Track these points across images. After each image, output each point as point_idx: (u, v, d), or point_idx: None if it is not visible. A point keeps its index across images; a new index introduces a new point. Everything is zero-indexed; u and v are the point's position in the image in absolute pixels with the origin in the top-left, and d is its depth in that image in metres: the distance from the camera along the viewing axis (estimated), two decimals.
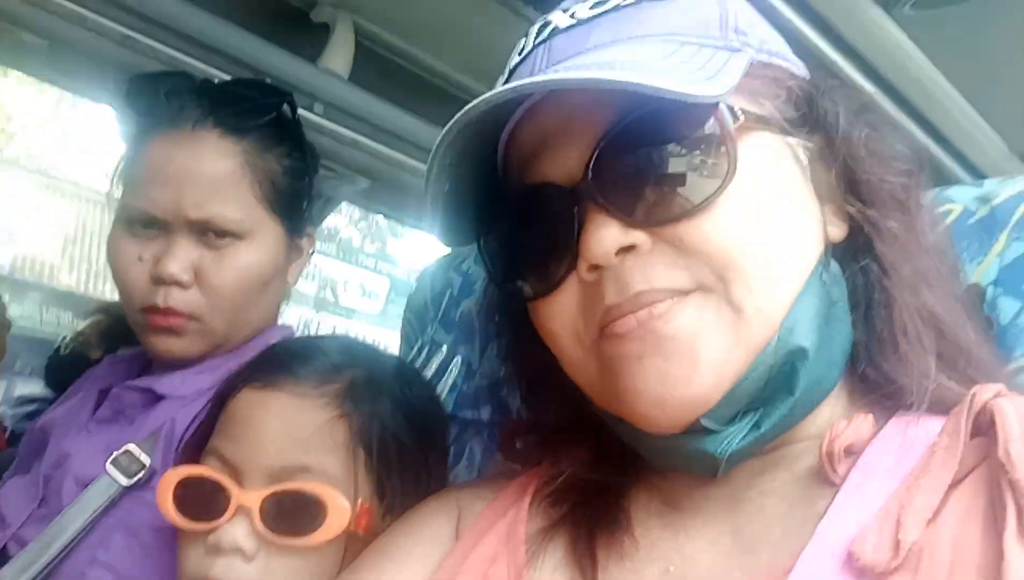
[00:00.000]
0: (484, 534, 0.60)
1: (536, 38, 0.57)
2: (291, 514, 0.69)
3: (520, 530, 0.58)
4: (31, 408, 2.62)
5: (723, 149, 0.49)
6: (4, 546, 0.91)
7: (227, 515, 0.70)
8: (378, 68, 1.81)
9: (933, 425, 0.49)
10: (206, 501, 0.71)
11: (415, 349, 1.22)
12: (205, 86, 1.02)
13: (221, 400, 0.79)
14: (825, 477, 0.49)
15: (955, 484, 0.44)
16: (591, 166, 0.50)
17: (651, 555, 0.53)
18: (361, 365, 0.79)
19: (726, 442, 0.50)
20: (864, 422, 0.50)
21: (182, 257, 0.95)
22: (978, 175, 1.39)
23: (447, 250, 1.23)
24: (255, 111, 1.01)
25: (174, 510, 0.72)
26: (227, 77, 1.54)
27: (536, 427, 0.67)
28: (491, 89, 0.50)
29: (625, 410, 0.51)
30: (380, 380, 0.79)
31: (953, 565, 0.41)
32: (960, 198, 0.71)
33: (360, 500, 0.72)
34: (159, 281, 0.95)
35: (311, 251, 1.13)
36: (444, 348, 1.16)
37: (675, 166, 0.50)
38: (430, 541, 0.62)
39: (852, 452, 0.49)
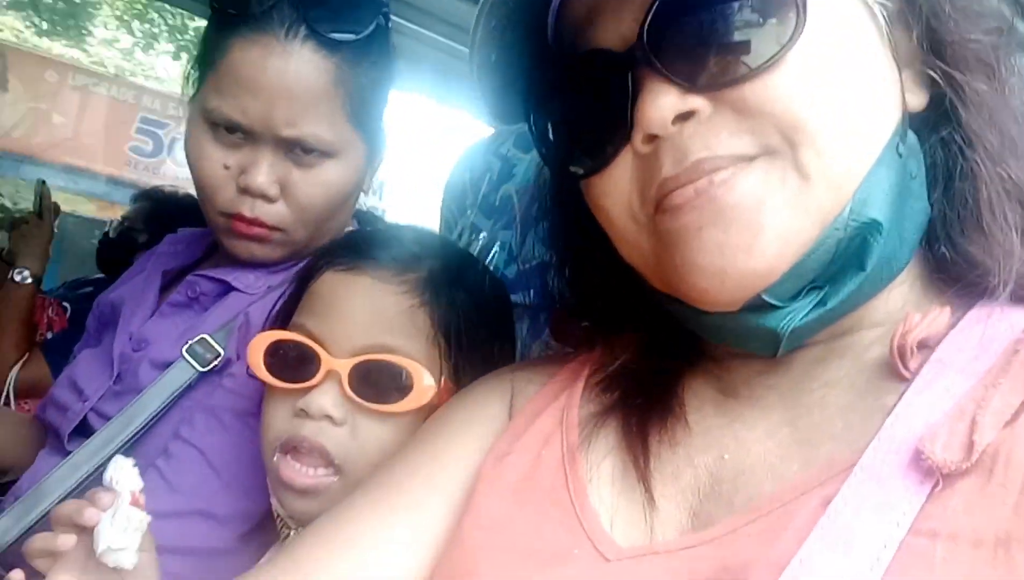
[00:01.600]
0: (537, 415, 0.60)
1: None
2: (378, 382, 0.72)
3: (573, 413, 0.59)
4: (88, 290, 2.74)
5: (791, 2, 0.45)
6: (85, 417, 0.97)
7: (318, 377, 0.72)
8: None
9: (1017, 318, 0.47)
10: (297, 363, 0.75)
11: (455, 234, 1.22)
12: None
13: (304, 280, 0.81)
14: (895, 370, 0.47)
15: None
16: (646, 28, 0.47)
17: (705, 442, 0.52)
18: (438, 257, 0.80)
19: (789, 317, 0.48)
20: (940, 315, 0.48)
21: (270, 171, 0.93)
22: None
23: None
24: (351, 23, 0.95)
25: (265, 370, 0.76)
26: None
27: (588, 311, 0.67)
28: None
29: (683, 287, 0.49)
30: (456, 272, 0.80)
31: None
32: None
33: (444, 378, 0.74)
34: (246, 192, 0.94)
35: (382, 160, 1.11)
36: (484, 233, 1.15)
37: (737, 24, 0.46)
38: (483, 420, 0.63)
39: (926, 346, 0.47)
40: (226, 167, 0.95)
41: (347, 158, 0.98)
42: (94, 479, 0.90)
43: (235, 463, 0.87)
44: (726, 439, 0.52)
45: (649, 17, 0.47)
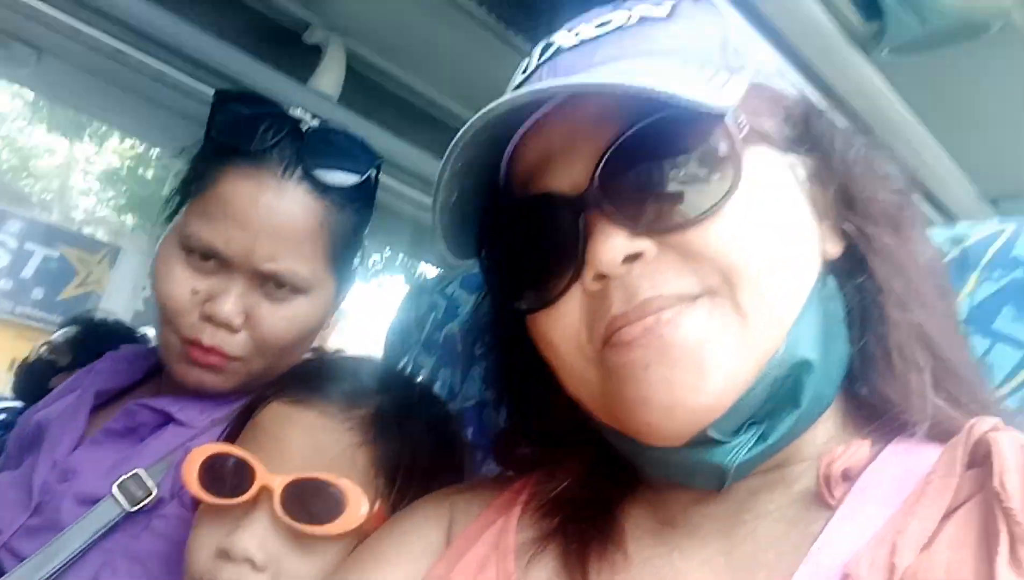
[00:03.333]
0: (474, 541, 0.59)
1: (540, 58, 0.58)
2: (311, 502, 0.70)
3: (509, 538, 0.58)
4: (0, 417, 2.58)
5: (729, 158, 0.50)
6: None
7: (251, 492, 0.71)
8: (368, 92, 1.82)
9: (929, 453, 0.50)
10: (231, 478, 0.72)
11: (398, 369, 1.22)
12: (298, 128, 0.96)
13: (249, 410, 0.80)
14: (821, 500, 0.50)
15: (950, 513, 0.45)
16: (597, 174, 0.51)
17: (644, 571, 0.53)
18: (390, 392, 0.80)
19: (734, 452, 0.50)
20: (861, 447, 0.51)
21: (238, 301, 0.92)
22: (949, 217, 1.43)
23: None
24: (347, 171, 0.96)
25: (198, 484, 0.73)
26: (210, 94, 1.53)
27: (532, 436, 0.67)
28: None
29: (631, 421, 0.51)
30: (407, 409, 0.80)
31: None
32: (934, 239, 0.74)
33: (379, 504, 0.73)
34: (209, 319, 0.92)
35: (345, 296, 1.10)
36: (426, 370, 1.16)
37: (682, 175, 0.50)
38: (420, 545, 0.62)
39: (849, 477, 0.50)
40: (194, 292, 0.92)
41: (317, 295, 0.97)
42: None
43: None
44: (664, 570, 0.52)
45: (601, 165, 0.51)
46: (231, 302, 0.91)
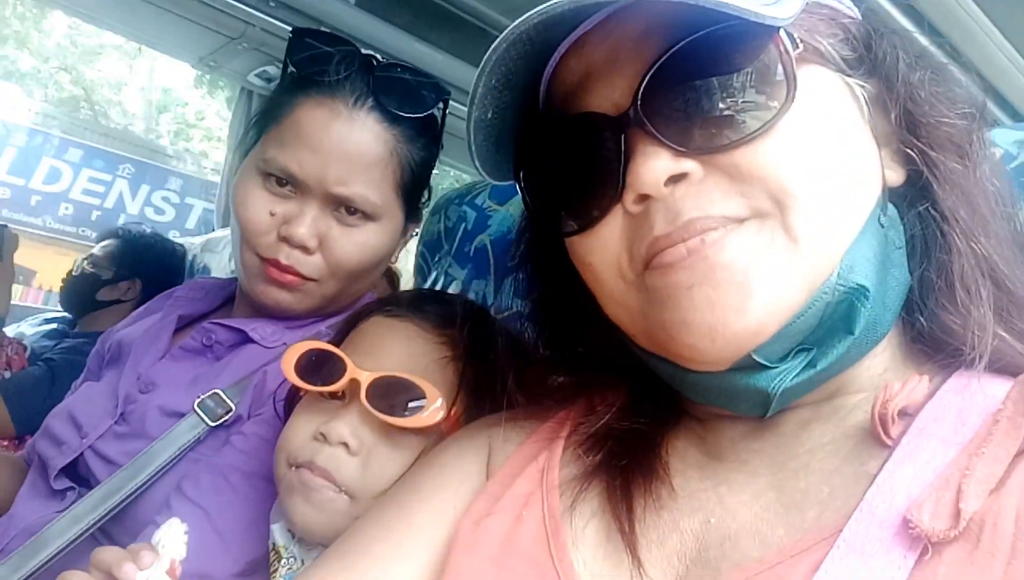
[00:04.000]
0: (516, 476, 0.59)
1: None
2: (395, 397, 0.75)
3: (554, 474, 0.58)
4: (51, 327, 2.68)
5: (782, 75, 0.47)
6: (81, 454, 0.95)
7: (341, 382, 0.76)
8: None
9: (992, 388, 0.48)
10: (324, 369, 0.78)
11: (428, 282, 1.22)
12: (371, 63, 1.01)
13: (354, 320, 0.87)
14: (877, 437, 0.48)
15: (1020, 454, 0.43)
16: (640, 93, 0.48)
17: (691, 505, 0.52)
18: (476, 321, 0.85)
19: (779, 378, 0.48)
20: (919, 384, 0.49)
21: (312, 224, 0.96)
22: (1016, 114, 1.35)
23: None
24: (416, 103, 1.01)
25: (295, 374, 0.79)
26: (235, 5, 1.49)
27: (566, 365, 0.66)
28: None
29: (672, 345, 0.49)
30: (490, 335, 0.83)
31: (1016, 539, 0.40)
32: (1001, 141, 0.69)
33: (455, 408, 0.77)
34: (285, 241, 0.96)
35: (415, 233, 1.14)
36: (458, 282, 1.15)
37: (730, 92, 0.47)
38: (458, 479, 0.62)
39: (907, 414, 0.48)
40: (272, 214, 0.97)
41: (386, 224, 1.01)
42: (95, 531, 0.88)
43: (238, 526, 0.86)
44: (712, 503, 0.51)
45: (643, 84, 0.48)
46: (306, 225, 0.95)
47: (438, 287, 1.17)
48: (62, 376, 1.95)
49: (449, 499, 0.61)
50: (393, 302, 0.87)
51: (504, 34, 0.48)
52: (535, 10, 0.46)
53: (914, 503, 0.42)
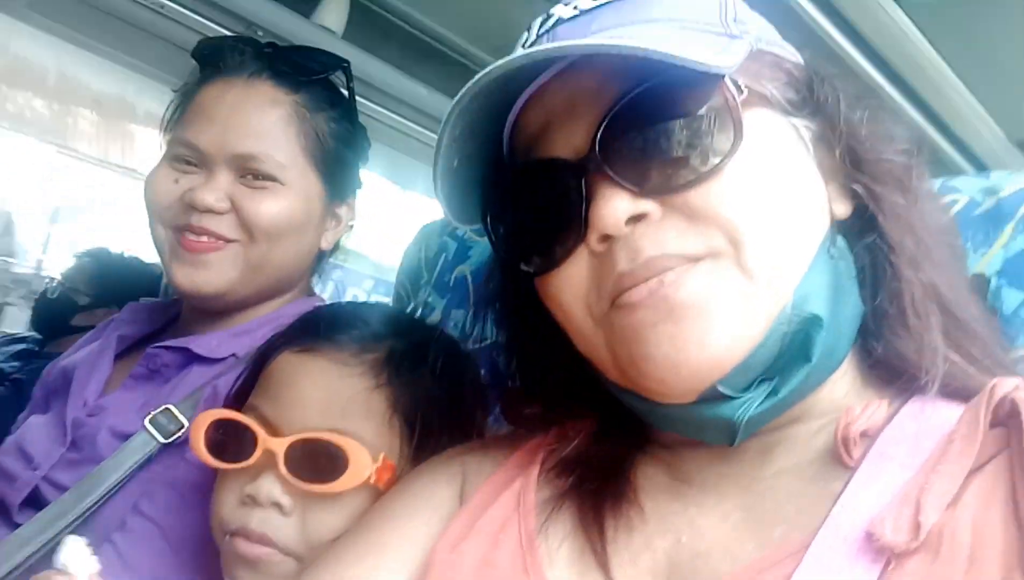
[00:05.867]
0: (493, 501, 0.60)
1: (540, 29, 0.57)
2: (313, 461, 0.71)
3: (530, 498, 0.59)
4: (19, 347, 2.61)
5: (729, 119, 0.50)
6: (36, 487, 0.93)
7: (254, 457, 0.71)
8: (372, 27, 1.77)
9: (947, 412, 0.50)
10: (236, 444, 0.73)
11: (408, 310, 1.22)
12: (267, 46, 1.05)
13: (261, 360, 0.80)
14: (839, 459, 0.50)
15: (974, 472, 0.45)
16: (598, 138, 0.51)
17: (662, 527, 0.53)
18: (402, 335, 0.80)
19: (744, 407, 0.50)
20: (879, 407, 0.51)
21: (218, 188, 0.96)
22: (977, 163, 1.41)
23: None
24: (310, 69, 1.04)
25: (205, 450, 0.75)
26: (215, 28, 1.52)
27: (540, 395, 0.68)
28: (487, 51, 0.50)
29: (641, 379, 0.51)
30: (420, 349, 0.79)
31: (974, 549, 0.42)
32: (966, 189, 0.72)
33: (383, 455, 0.73)
34: (192, 208, 0.96)
35: (350, 224, 1.14)
36: (438, 311, 1.16)
37: (683, 137, 0.50)
38: (432, 505, 0.63)
39: (867, 436, 0.50)
40: (176, 181, 0.98)
41: (299, 189, 1.01)
42: (44, 555, 0.85)
43: (192, 541, 0.84)
44: (681, 523, 0.53)
45: (601, 130, 0.51)
46: (209, 189, 0.96)
47: (418, 315, 1.18)
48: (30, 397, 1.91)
49: (423, 525, 0.61)
50: (302, 332, 0.80)
51: (467, 87, 0.50)
52: (495, 64, 0.49)
53: (876, 518, 0.44)
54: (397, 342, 0.79)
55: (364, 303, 0.94)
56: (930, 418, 0.50)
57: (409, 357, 0.78)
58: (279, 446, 0.71)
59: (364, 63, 1.86)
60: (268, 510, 0.71)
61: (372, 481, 0.71)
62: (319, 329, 0.79)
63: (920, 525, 0.42)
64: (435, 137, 0.55)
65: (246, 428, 0.73)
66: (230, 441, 0.74)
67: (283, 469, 0.70)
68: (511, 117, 0.57)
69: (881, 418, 0.51)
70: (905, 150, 0.57)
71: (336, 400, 0.73)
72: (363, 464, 0.71)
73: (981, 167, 1.39)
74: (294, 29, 1.57)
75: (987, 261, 0.67)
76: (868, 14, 1.10)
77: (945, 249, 0.57)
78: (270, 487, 0.70)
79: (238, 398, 0.81)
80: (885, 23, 1.10)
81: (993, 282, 0.66)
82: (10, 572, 0.84)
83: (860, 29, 1.12)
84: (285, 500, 0.71)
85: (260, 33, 2.09)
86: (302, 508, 0.71)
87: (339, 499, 0.72)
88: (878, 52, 1.13)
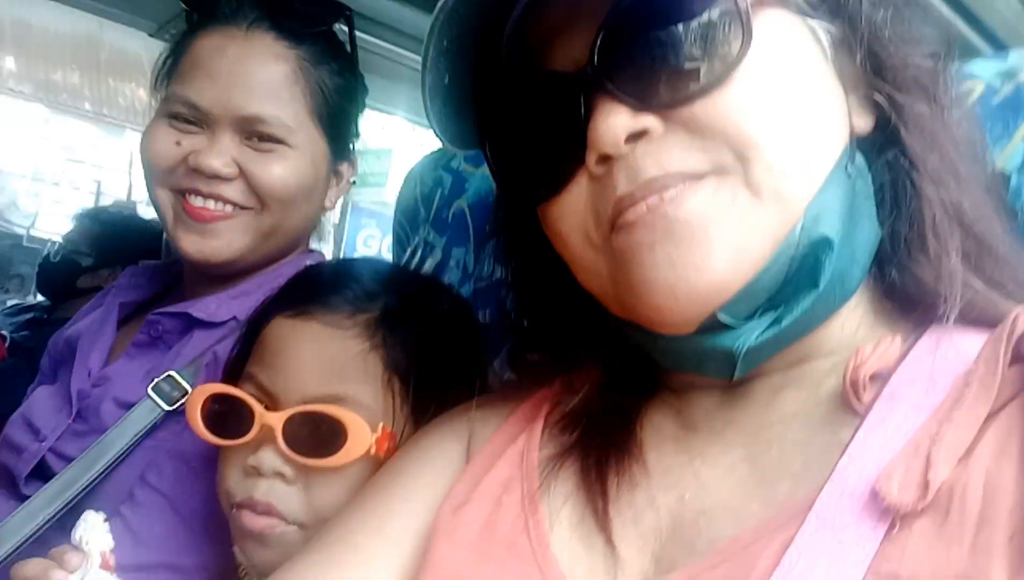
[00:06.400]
0: (496, 459, 0.59)
1: None
2: (312, 436, 0.70)
3: (533, 456, 0.57)
4: (28, 316, 2.64)
5: (737, 21, 0.45)
6: (43, 458, 0.93)
7: (252, 433, 0.71)
8: None
9: (966, 344, 0.47)
10: (233, 419, 0.72)
11: (408, 251, 1.19)
12: None
13: (255, 327, 0.79)
14: (849, 403, 0.47)
15: (991, 416, 0.42)
16: (596, 51, 0.47)
17: (665, 481, 0.52)
18: (394, 291, 0.78)
19: (743, 337, 0.47)
20: (891, 346, 0.48)
21: (224, 152, 0.92)
22: (998, 44, 1.31)
23: None
24: (312, 19, 0.98)
25: (202, 426, 0.74)
26: None
27: (545, 343, 0.65)
28: None
29: (639, 307, 0.48)
30: (414, 306, 0.77)
31: (984, 508, 0.39)
32: (982, 73, 0.66)
33: (382, 425, 0.72)
34: (197, 172, 0.92)
35: (351, 180, 1.11)
36: (438, 250, 1.13)
37: (687, 44, 0.46)
38: (439, 465, 0.62)
39: (878, 378, 0.47)
40: (177, 144, 0.93)
41: (306, 151, 0.97)
42: (52, 526, 0.86)
43: (203, 511, 0.84)
44: (686, 478, 0.51)
45: (599, 40, 0.47)
46: (216, 154, 0.91)
47: (418, 257, 1.15)
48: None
49: (431, 485, 0.60)
50: (293, 295, 0.78)
51: None
52: None
53: (883, 473, 0.41)
54: (390, 299, 0.76)
55: (355, 260, 0.92)
56: (946, 353, 0.47)
57: (404, 314, 0.76)
58: (276, 421, 0.70)
59: None
60: (272, 479, 0.70)
61: (372, 451, 0.71)
62: (310, 292, 0.77)
63: (929, 483, 0.39)
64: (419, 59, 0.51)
65: (242, 402, 0.72)
66: (228, 415, 0.73)
67: (282, 444, 0.69)
68: (509, 28, 0.52)
69: (894, 357, 0.48)
70: (932, 52, 0.52)
71: (332, 365, 0.72)
72: (362, 436, 0.69)
73: (999, 45, 1.30)
74: None
75: (1007, 155, 0.62)
76: None
77: (972, 164, 0.53)
78: (272, 459, 0.70)
79: (235, 365, 0.80)
80: None
81: (1014, 179, 0.60)
82: (19, 545, 0.85)
83: None
84: (287, 470, 0.70)
85: None
86: (305, 477, 0.71)
87: (341, 469, 0.71)
88: None
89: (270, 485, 0.70)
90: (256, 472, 0.71)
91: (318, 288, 0.78)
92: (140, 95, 4.17)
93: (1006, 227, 0.53)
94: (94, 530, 0.61)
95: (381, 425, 0.72)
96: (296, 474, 0.71)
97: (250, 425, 0.71)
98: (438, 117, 0.53)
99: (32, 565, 0.61)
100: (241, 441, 0.71)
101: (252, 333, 0.79)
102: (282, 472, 0.70)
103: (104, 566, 0.60)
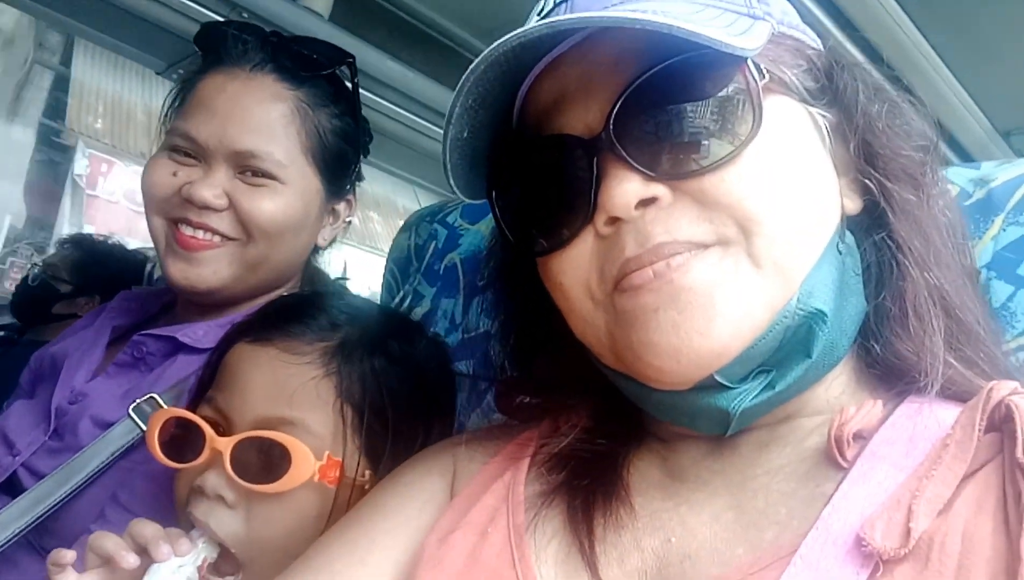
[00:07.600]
0: (482, 493, 0.60)
1: None
2: (257, 461, 0.71)
3: (519, 491, 0.59)
4: None
5: (749, 104, 0.49)
6: (14, 472, 0.92)
7: (203, 457, 0.72)
8: (359, 10, 1.75)
9: (943, 414, 0.50)
10: (186, 443, 0.74)
11: (396, 299, 1.21)
12: (271, 35, 1.02)
13: (221, 352, 0.81)
14: (832, 459, 0.50)
15: (967, 477, 0.45)
16: (612, 118, 0.50)
17: (651, 525, 0.53)
18: (359, 323, 0.79)
19: (739, 398, 0.50)
20: (874, 408, 0.51)
21: (216, 184, 0.95)
22: (963, 154, 1.41)
23: None
24: (314, 63, 1.02)
25: (159, 449, 0.75)
26: (204, 13, 1.50)
27: (533, 385, 0.67)
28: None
29: (638, 365, 0.50)
30: (376, 338, 0.78)
31: (963, 557, 0.41)
32: (957, 179, 0.72)
33: (328, 453, 0.73)
34: (190, 202, 0.94)
35: (347, 219, 1.13)
36: (427, 300, 1.15)
37: (699, 120, 0.49)
38: (424, 498, 0.62)
39: (861, 437, 0.50)
40: (174, 174, 0.96)
41: (298, 188, 0.99)
42: (19, 542, 0.86)
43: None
44: (672, 522, 0.52)
45: (616, 108, 0.50)
46: (208, 184, 0.94)
47: (406, 304, 1.17)
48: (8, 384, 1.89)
49: (413, 517, 0.61)
50: (257, 323, 0.81)
51: (483, 55, 0.49)
52: (513, 33, 0.48)
53: (867, 522, 0.43)
54: (352, 330, 0.78)
55: (332, 293, 0.93)
56: (926, 419, 0.50)
57: (363, 344, 0.77)
58: (225, 446, 0.71)
59: (350, 46, 1.84)
60: (214, 502, 0.72)
61: (316, 479, 0.72)
62: (273, 320, 0.80)
63: (910, 531, 0.42)
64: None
65: (196, 426, 0.73)
66: (185, 439, 0.74)
67: (228, 468, 0.71)
68: (524, 88, 0.56)
69: (876, 418, 0.51)
70: (921, 146, 0.56)
71: (283, 389, 0.74)
72: (305, 463, 0.71)
73: (967, 158, 1.40)
74: (280, 11, 1.54)
75: (977, 253, 0.67)
76: (857, 1, 1.10)
77: (953, 251, 0.57)
78: (215, 481, 0.72)
79: (201, 389, 0.82)
80: (875, 10, 1.09)
81: (983, 275, 0.65)
82: None
83: (850, 16, 1.11)
84: (228, 494, 0.72)
85: (245, 15, 2.07)
86: (247, 502, 0.72)
87: (284, 496, 0.72)
88: (867, 39, 1.13)
89: (210, 507, 0.72)
90: (200, 492, 0.72)
91: (281, 317, 0.81)
92: None
93: (982, 311, 0.56)
94: (210, 539, 0.67)
95: (327, 453, 0.73)
96: (237, 498, 0.72)
97: (202, 448, 0.72)
98: (453, 168, 0.56)
99: (149, 527, 0.64)
100: (191, 465, 0.73)
101: (218, 358, 0.81)
102: (222, 495, 0.71)
103: (199, 568, 0.63)
